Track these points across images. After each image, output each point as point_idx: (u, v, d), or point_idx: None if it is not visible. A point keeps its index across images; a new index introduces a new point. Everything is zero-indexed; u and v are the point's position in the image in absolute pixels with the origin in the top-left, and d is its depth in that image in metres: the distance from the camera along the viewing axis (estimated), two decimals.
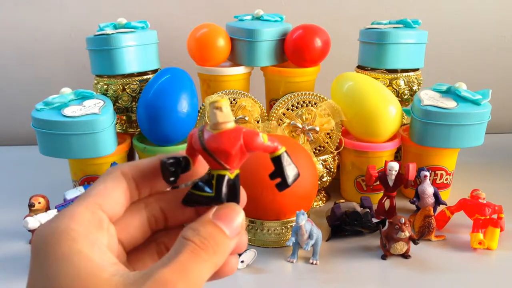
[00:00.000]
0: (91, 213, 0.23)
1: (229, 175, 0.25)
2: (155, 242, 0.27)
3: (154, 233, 0.26)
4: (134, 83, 0.85)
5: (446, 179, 0.83)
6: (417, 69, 0.91)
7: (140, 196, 0.26)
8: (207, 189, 0.25)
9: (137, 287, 0.20)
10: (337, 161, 0.83)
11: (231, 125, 0.25)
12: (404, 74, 0.88)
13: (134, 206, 0.26)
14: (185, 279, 0.21)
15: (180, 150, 0.80)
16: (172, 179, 0.25)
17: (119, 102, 0.85)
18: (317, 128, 0.78)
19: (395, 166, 0.74)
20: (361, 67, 0.93)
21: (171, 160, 0.25)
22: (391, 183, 0.76)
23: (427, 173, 0.75)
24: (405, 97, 0.89)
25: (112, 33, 0.80)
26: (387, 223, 0.67)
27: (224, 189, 0.25)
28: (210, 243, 0.22)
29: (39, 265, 0.21)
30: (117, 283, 0.20)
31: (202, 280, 0.22)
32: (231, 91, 0.82)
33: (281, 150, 0.28)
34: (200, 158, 0.27)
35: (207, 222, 0.23)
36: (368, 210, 0.72)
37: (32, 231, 0.70)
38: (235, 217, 0.24)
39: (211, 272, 0.22)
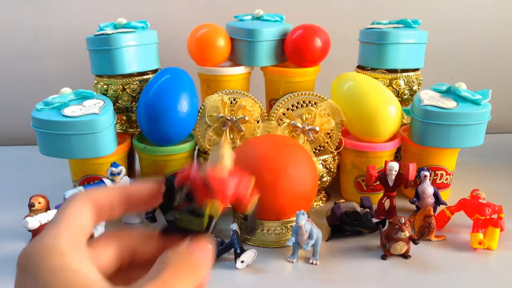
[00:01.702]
0: (72, 233, 0.24)
1: (218, 214, 0.27)
2: (125, 275, 0.28)
3: (123, 269, 0.28)
4: (134, 83, 0.85)
5: (446, 179, 0.83)
6: (417, 69, 0.91)
7: (100, 221, 0.27)
8: (196, 221, 0.26)
9: None
10: (337, 161, 0.83)
11: (230, 167, 0.27)
12: (404, 74, 0.88)
13: (105, 238, 0.27)
14: None
15: (177, 152, 0.80)
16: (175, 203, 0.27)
17: (119, 102, 0.85)
18: (317, 128, 0.78)
19: (395, 166, 0.74)
20: (361, 67, 0.93)
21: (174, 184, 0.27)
22: (391, 183, 0.76)
23: (427, 173, 0.75)
24: (405, 97, 0.89)
25: (112, 33, 0.80)
26: (387, 223, 0.67)
27: (213, 225, 0.27)
28: (189, 266, 0.25)
29: (30, 278, 0.22)
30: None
31: None
32: (231, 91, 0.82)
33: (250, 209, 0.29)
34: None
35: (184, 250, 0.25)
36: (368, 210, 0.72)
37: (32, 231, 0.70)
38: (208, 247, 0.26)
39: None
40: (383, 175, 0.76)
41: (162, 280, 0.23)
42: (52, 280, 0.21)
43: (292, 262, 0.66)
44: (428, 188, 0.74)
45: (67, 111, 0.74)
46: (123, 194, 0.27)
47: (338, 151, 0.82)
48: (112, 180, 0.74)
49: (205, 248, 0.26)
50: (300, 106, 0.81)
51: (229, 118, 0.79)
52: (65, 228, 0.24)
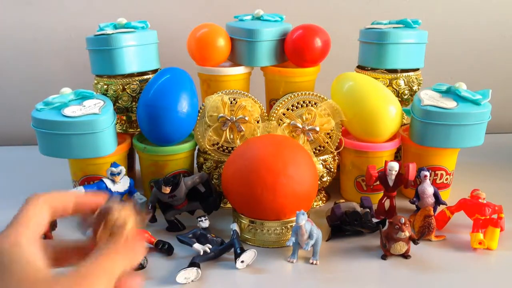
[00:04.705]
0: (30, 231, 0.29)
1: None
2: None
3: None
4: (134, 83, 0.85)
5: (446, 179, 0.83)
6: (417, 69, 0.91)
7: (54, 218, 0.32)
8: None
9: (60, 276, 0.26)
10: (337, 161, 0.83)
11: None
12: (404, 74, 0.88)
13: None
14: (100, 269, 0.27)
15: (177, 152, 0.81)
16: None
17: (119, 102, 0.85)
18: (317, 128, 0.78)
19: (395, 166, 0.74)
20: (361, 67, 0.93)
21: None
22: (391, 183, 0.76)
23: (427, 173, 0.75)
24: (405, 97, 0.89)
25: (112, 33, 0.80)
26: (387, 223, 0.67)
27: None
28: (124, 248, 0.30)
29: None
30: (51, 274, 0.27)
31: (115, 272, 0.28)
32: (231, 91, 0.82)
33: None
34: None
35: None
36: (368, 210, 0.72)
37: None
38: (141, 240, 0.32)
39: (123, 268, 0.29)
40: (383, 175, 0.76)
41: (95, 259, 0.28)
42: (8, 271, 0.26)
43: (292, 262, 0.66)
44: (428, 188, 0.74)
45: (67, 111, 0.74)
46: (74, 200, 0.32)
47: (338, 151, 0.82)
48: (112, 180, 0.74)
49: (139, 240, 0.31)
50: (300, 106, 0.81)
51: (229, 118, 0.79)
52: (25, 226, 0.29)
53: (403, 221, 0.64)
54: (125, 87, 0.85)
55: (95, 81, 0.87)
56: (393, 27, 0.88)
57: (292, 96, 0.81)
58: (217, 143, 0.81)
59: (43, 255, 0.28)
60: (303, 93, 0.81)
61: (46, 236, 0.72)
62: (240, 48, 0.88)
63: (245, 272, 0.64)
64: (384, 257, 0.66)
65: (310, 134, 0.79)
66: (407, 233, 0.64)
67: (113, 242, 0.30)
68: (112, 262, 0.28)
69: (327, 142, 0.81)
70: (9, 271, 0.26)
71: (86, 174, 0.80)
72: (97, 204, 0.33)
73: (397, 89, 0.88)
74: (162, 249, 0.68)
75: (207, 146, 0.81)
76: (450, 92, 0.81)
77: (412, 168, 0.74)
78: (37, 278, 0.26)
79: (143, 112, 0.78)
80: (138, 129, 0.89)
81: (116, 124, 0.81)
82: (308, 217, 0.66)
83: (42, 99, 0.77)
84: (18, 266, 0.26)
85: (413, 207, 0.78)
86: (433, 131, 0.76)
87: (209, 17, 1.00)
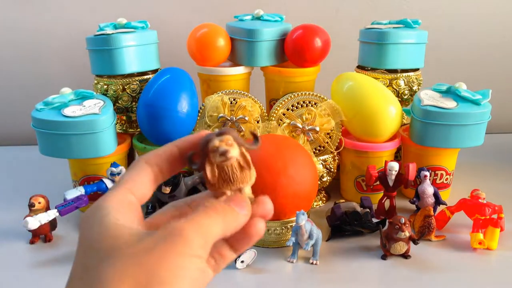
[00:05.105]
0: (122, 196, 0.27)
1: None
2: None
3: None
4: (134, 83, 0.85)
5: (446, 179, 0.83)
6: (417, 69, 0.91)
7: (164, 177, 0.30)
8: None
9: (152, 233, 0.24)
10: (337, 161, 0.83)
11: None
12: (404, 74, 0.88)
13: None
14: (195, 226, 0.25)
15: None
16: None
17: (119, 102, 0.85)
18: (317, 128, 0.78)
19: (395, 166, 0.74)
20: (361, 67, 0.93)
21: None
22: (391, 183, 0.76)
23: (427, 173, 0.75)
24: (405, 97, 0.89)
25: (112, 33, 0.80)
26: (387, 223, 0.67)
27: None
28: (220, 207, 0.27)
29: (80, 232, 0.26)
30: (138, 233, 0.25)
31: (213, 233, 0.26)
32: (231, 91, 0.82)
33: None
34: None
35: (218, 202, 0.28)
36: (368, 210, 0.72)
37: (32, 231, 0.70)
38: (242, 201, 0.28)
39: (221, 230, 0.26)
40: (383, 175, 0.76)
41: (191, 219, 0.25)
42: (93, 231, 0.25)
43: (292, 262, 0.66)
44: (428, 188, 0.74)
45: (67, 111, 0.74)
46: (175, 148, 0.30)
47: (338, 151, 0.82)
48: (112, 180, 0.74)
49: (242, 202, 0.28)
50: (300, 106, 0.81)
51: (229, 118, 0.79)
52: (116, 193, 0.27)
53: (403, 221, 0.64)
54: (125, 87, 0.85)
55: (95, 81, 0.87)
56: (393, 27, 0.88)
57: (292, 96, 0.81)
58: None
59: (135, 219, 0.27)
60: (303, 93, 0.81)
61: (46, 236, 0.72)
62: (240, 48, 0.88)
63: (245, 272, 0.64)
64: (384, 257, 0.66)
65: (310, 134, 0.79)
66: (407, 233, 0.64)
67: (213, 202, 0.27)
68: (210, 221, 0.26)
69: (327, 142, 0.81)
70: (93, 228, 0.25)
71: (86, 174, 0.80)
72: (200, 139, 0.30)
73: (397, 89, 0.88)
74: None
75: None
76: (450, 92, 0.81)
77: (412, 168, 0.74)
78: (119, 235, 0.25)
79: (143, 112, 0.78)
80: (138, 129, 0.89)
81: (116, 124, 0.81)
82: (308, 217, 0.66)
83: (42, 99, 0.77)
84: (101, 224, 0.25)
85: (413, 207, 0.78)
86: (433, 131, 0.76)
87: (209, 17, 1.00)
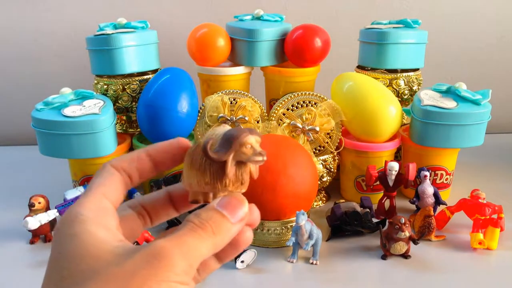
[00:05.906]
0: (98, 201, 0.26)
1: None
2: None
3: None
4: (134, 83, 0.85)
5: (446, 179, 0.83)
6: (417, 69, 0.91)
7: (133, 183, 0.29)
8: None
9: (134, 253, 0.23)
10: (337, 161, 0.83)
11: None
12: (404, 74, 0.88)
13: (124, 209, 0.30)
14: (180, 248, 0.23)
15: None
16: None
17: (119, 102, 0.85)
18: (317, 128, 0.78)
19: (395, 166, 0.74)
20: (361, 67, 0.93)
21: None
22: (391, 183, 0.76)
23: (427, 173, 0.75)
24: (405, 97, 0.89)
25: (112, 33, 0.80)
26: (387, 223, 0.67)
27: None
28: (210, 224, 0.25)
29: (55, 245, 0.25)
30: (118, 251, 0.23)
31: (200, 255, 0.24)
32: (231, 91, 0.82)
33: None
34: None
35: (210, 208, 0.26)
36: (368, 210, 0.72)
37: (32, 231, 0.70)
38: (239, 205, 0.27)
39: (210, 250, 0.25)
40: (383, 175, 0.76)
41: (176, 238, 0.24)
42: (70, 245, 0.24)
43: (292, 262, 0.66)
44: (428, 188, 0.74)
45: (67, 111, 0.74)
46: (149, 155, 0.29)
47: (338, 151, 0.82)
48: None
49: (235, 204, 0.26)
50: (300, 106, 0.81)
51: (229, 118, 0.79)
52: (92, 198, 0.26)
53: (403, 221, 0.64)
54: (125, 87, 0.85)
55: (95, 81, 0.87)
56: (393, 27, 0.88)
57: (292, 96, 0.81)
58: None
59: (114, 225, 0.26)
60: (303, 93, 0.81)
61: (46, 236, 0.72)
62: (240, 48, 0.88)
63: (245, 272, 0.64)
64: (384, 257, 0.66)
65: (310, 134, 0.79)
66: (407, 233, 0.64)
67: (200, 213, 0.25)
68: (197, 242, 0.24)
69: (327, 142, 0.81)
70: (70, 243, 0.24)
71: (86, 174, 0.80)
72: (179, 148, 0.29)
73: (397, 89, 0.88)
74: None
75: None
76: (450, 92, 0.81)
77: (412, 168, 0.74)
78: (99, 255, 0.23)
79: (143, 112, 0.78)
80: (138, 129, 0.89)
81: (116, 124, 0.81)
82: (308, 217, 0.66)
83: (42, 99, 0.77)
84: (79, 239, 0.24)
85: (413, 207, 0.78)
86: (433, 131, 0.76)
87: (209, 17, 1.00)
